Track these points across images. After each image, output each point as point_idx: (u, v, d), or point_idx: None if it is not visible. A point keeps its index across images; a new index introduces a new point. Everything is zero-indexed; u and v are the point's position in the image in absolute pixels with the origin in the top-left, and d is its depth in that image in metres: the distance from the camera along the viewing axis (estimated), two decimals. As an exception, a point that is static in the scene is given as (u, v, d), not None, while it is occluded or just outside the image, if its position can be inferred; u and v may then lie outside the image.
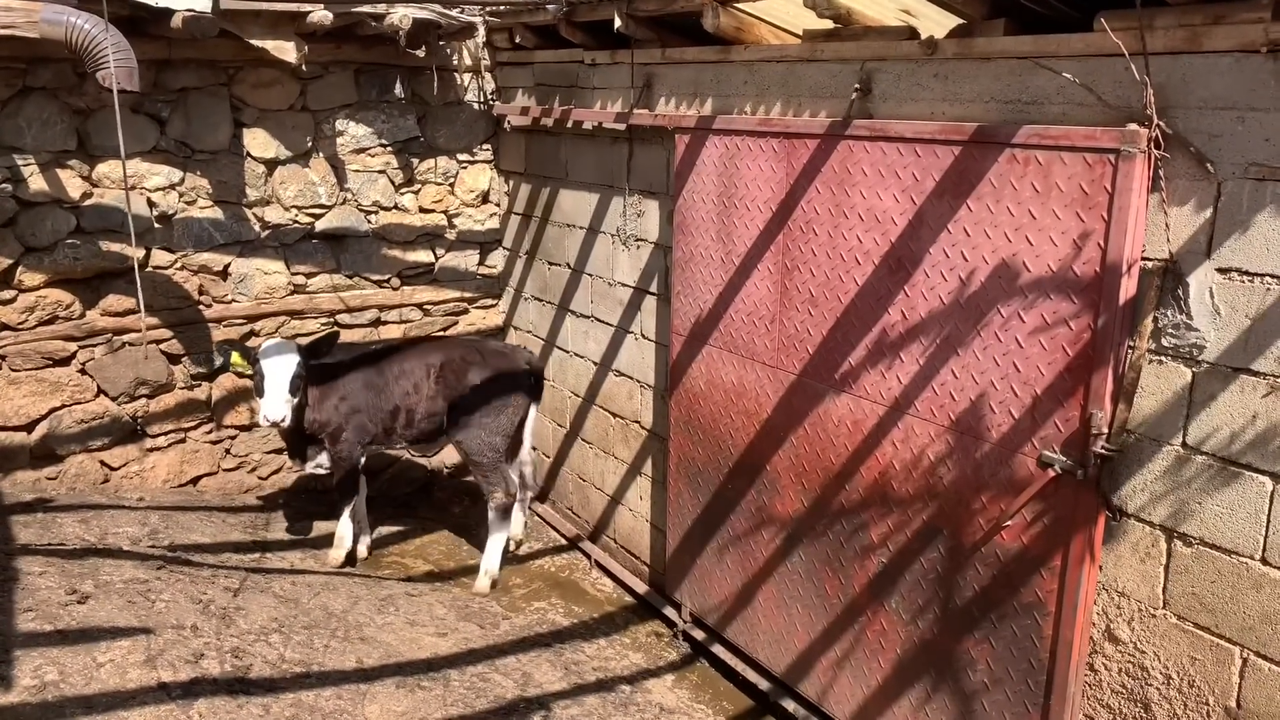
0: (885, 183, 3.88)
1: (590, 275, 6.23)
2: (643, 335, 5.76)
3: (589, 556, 6.44)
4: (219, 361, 5.50)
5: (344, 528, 5.92)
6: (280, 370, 5.23)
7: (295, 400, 5.33)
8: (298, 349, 5.36)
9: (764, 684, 4.89)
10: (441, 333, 7.16)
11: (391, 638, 4.92)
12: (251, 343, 6.37)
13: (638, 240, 5.67)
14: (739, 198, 4.64)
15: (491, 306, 7.40)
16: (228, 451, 6.48)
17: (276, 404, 5.21)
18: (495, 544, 5.95)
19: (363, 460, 5.88)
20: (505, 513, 5.94)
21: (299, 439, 5.66)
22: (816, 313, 4.28)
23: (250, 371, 5.39)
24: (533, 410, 6.11)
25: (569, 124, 6.12)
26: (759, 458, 4.74)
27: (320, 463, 5.81)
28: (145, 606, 4.38)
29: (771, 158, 4.42)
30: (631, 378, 5.94)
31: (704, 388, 5.05)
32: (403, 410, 5.81)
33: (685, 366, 5.17)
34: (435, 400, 5.88)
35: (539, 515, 7.05)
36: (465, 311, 7.29)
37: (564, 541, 6.74)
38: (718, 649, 5.22)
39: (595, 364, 6.32)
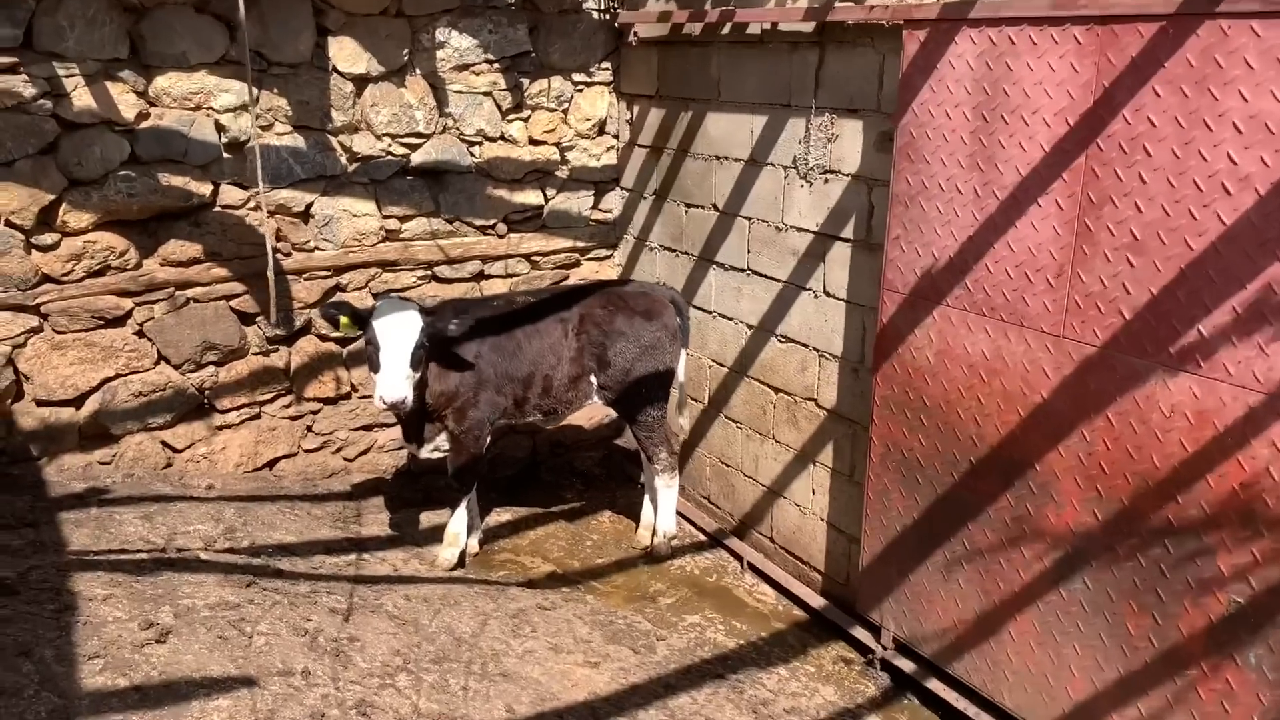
0: (1289, 77, 2.73)
1: (747, 219, 5.11)
2: (826, 293, 4.65)
3: (739, 558, 5.39)
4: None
5: (459, 524, 4.90)
6: (400, 338, 4.16)
7: (418, 375, 4.28)
8: (420, 309, 4.30)
9: (1011, 736, 3.86)
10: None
11: (537, 671, 3.91)
12: (337, 299, 5.32)
13: (825, 172, 4.54)
14: (1010, 110, 3.49)
15: (606, 258, 6.30)
16: (309, 429, 5.45)
17: (396, 381, 4.15)
18: (667, 502, 5.33)
19: (489, 440, 4.84)
20: (672, 470, 5.25)
21: (418, 417, 4.61)
22: (1141, 262, 3.15)
23: (354, 335, 4.35)
24: (683, 355, 5.19)
25: (724, 29, 4.97)
26: (1022, 454, 3.65)
27: (439, 445, 4.78)
28: (241, 643, 3.37)
29: (1071, 53, 3.27)
30: (805, 345, 4.84)
31: (933, 361, 3.95)
32: (538, 376, 4.79)
33: (902, 333, 4.07)
34: (580, 360, 4.87)
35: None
36: (576, 264, 6.19)
37: (703, 537, 5.70)
38: (936, 685, 4.18)
39: (750, 327, 5.22)
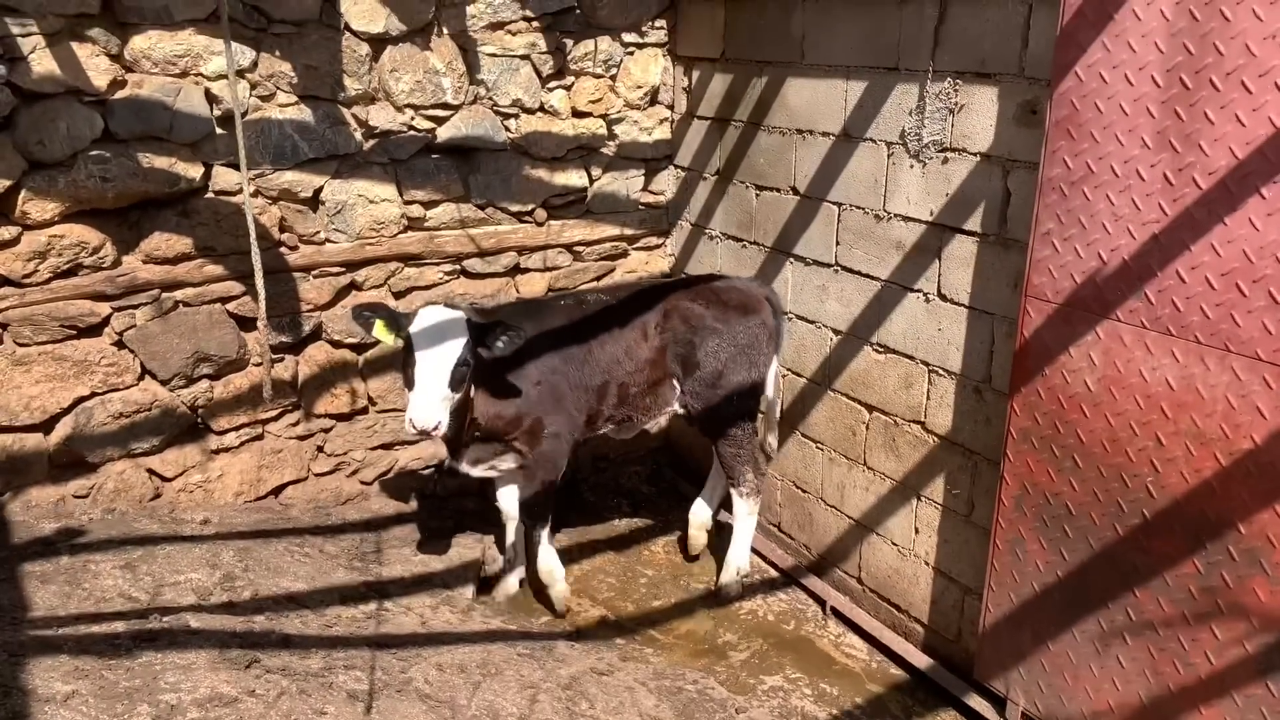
0: None
1: (837, 205, 4.32)
2: (941, 295, 3.87)
3: (820, 601, 4.64)
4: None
5: (550, 559, 4.36)
6: (440, 352, 3.50)
7: (458, 396, 3.60)
8: (470, 320, 3.65)
9: None
10: (594, 282, 5.32)
11: (602, 769, 3.19)
12: (351, 300, 4.57)
13: (943, 150, 3.74)
14: (1224, 73, 2.69)
15: (656, 247, 5.51)
16: (320, 450, 4.72)
17: (429, 403, 3.49)
18: (744, 532, 4.62)
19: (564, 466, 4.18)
20: (756, 496, 4.57)
21: (459, 434, 3.95)
22: None
23: (390, 343, 3.68)
24: (775, 361, 4.44)
25: (811, -20, 4.16)
26: (1220, 510, 2.88)
27: (497, 465, 4.17)
28: (236, 761, 2.65)
29: (1326, -6, 2.47)
30: (911, 357, 4.06)
31: (1094, 388, 3.17)
32: (613, 384, 4.13)
33: (1052, 351, 3.29)
34: (661, 362, 4.19)
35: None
36: (624, 254, 5.41)
37: (774, 574, 4.95)
38: (1081, 777, 3.45)
39: (836, 333, 4.45)
